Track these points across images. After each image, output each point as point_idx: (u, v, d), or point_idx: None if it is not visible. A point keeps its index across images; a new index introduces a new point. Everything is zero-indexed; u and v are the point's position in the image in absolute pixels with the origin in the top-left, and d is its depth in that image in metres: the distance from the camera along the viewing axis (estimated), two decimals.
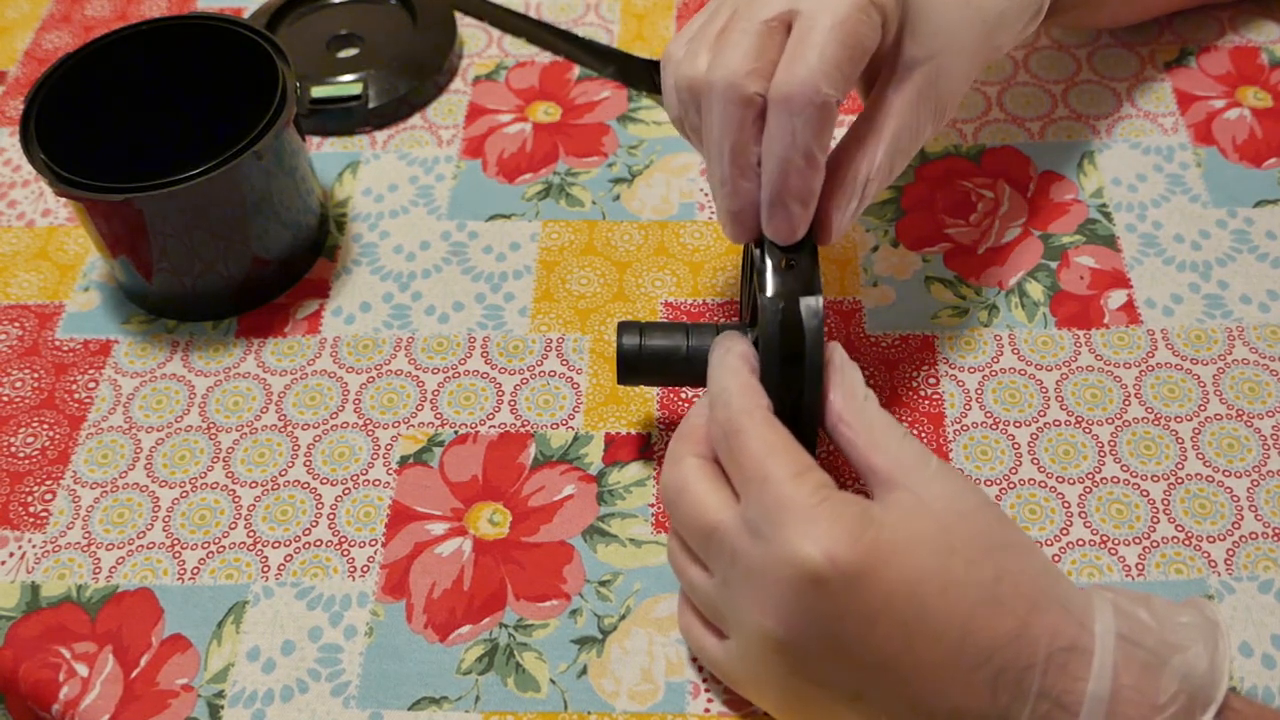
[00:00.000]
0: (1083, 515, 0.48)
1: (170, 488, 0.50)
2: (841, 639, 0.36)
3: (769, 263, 0.42)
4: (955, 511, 0.38)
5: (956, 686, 0.36)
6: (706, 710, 0.44)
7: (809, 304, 0.41)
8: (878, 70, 0.44)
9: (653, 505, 0.49)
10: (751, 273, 0.45)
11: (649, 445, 0.51)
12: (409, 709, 0.44)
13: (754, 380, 0.41)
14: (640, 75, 0.64)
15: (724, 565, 0.39)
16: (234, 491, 0.50)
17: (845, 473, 0.49)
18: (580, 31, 0.67)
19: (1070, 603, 0.37)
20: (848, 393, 0.41)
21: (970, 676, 0.36)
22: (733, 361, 0.42)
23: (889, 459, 0.39)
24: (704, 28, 0.43)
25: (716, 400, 0.41)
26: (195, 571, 0.48)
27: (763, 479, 0.37)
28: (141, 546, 0.49)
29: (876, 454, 0.39)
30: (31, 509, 0.50)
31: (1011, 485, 0.49)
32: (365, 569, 0.48)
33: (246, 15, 0.69)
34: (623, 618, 0.46)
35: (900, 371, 0.52)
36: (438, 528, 0.49)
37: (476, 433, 0.51)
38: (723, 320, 0.54)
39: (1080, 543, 0.47)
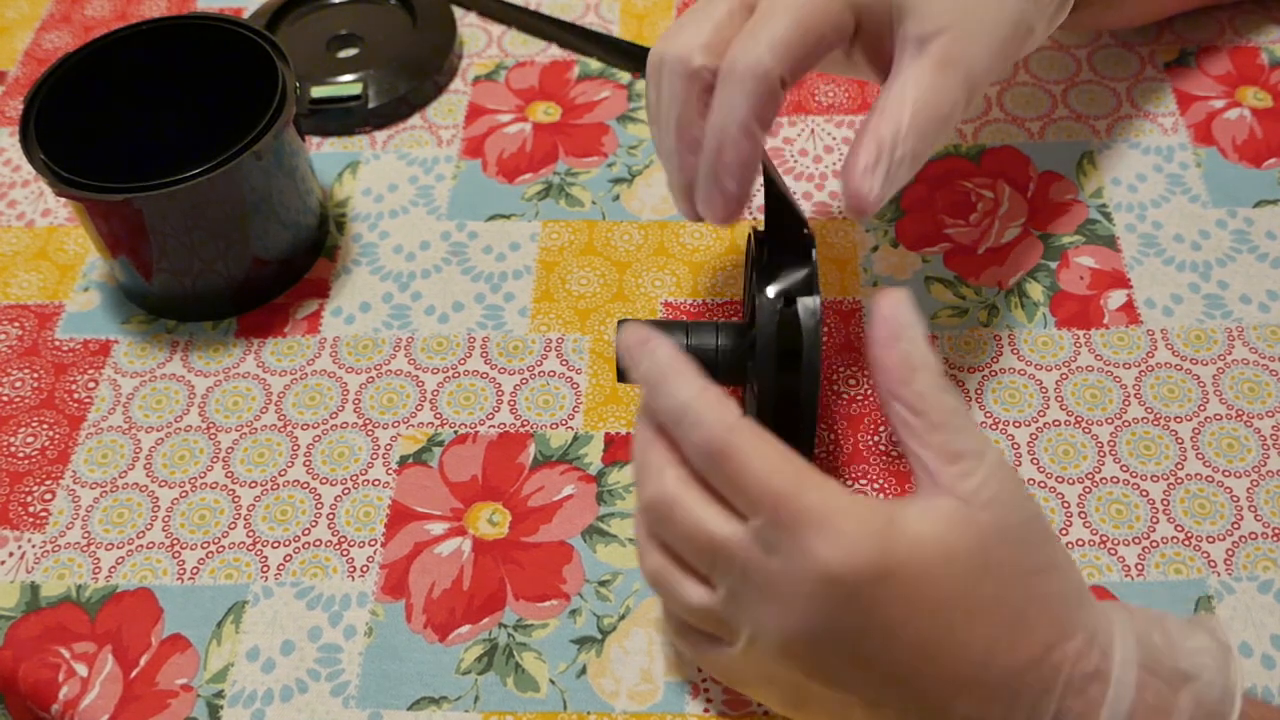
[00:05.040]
0: (1082, 515, 0.48)
1: (170, 488, 0.50)
2: (862, 648, 0.35)
3: (767, 262, 0.42)
4: (999, 528, 0.35)
5: (974, 702, 0.35)
6: (706, 710, 0.44)
7: (807, 304, 0.41)
8: (888, 61, 0.43)
9: None
10: (752, 272, 0.45)
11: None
12: (409, 709, 0.44)
13: (706, 381, 0.37)
14: (642, 62, 0.64)
15: (733, 579, 0.36)
16: (234, 491, 0.50)
17: (852, 475, 0.49)
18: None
19: (1095, 630, 0.36)
20: (904, 360, 0.35)
21: (988, 694, 0.35)
22: (669, 367, 0.37)
23: (940, 455, 0.35)
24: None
25: (681, 420, 0.36)
26: (195, 571, 0.48)
27: (772, 498, 0.35)
28: (141, 546, 0.49)
29: (928, 446, 0.35)
30: (31, 509, 0.50)
31: None
32: (365, 569, 0.48)
33: (246, 15, 0.69)
34: (622, 618, 0.46)
35: None
36: (437, 528, 0.49)
37: (476, 433, 0.51)
38: (722, 320, 0.54)
39: (1080, 543, 0.47)
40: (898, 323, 0.36)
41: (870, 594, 0.34)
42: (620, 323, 0.46)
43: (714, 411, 0.36)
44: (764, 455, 0.35)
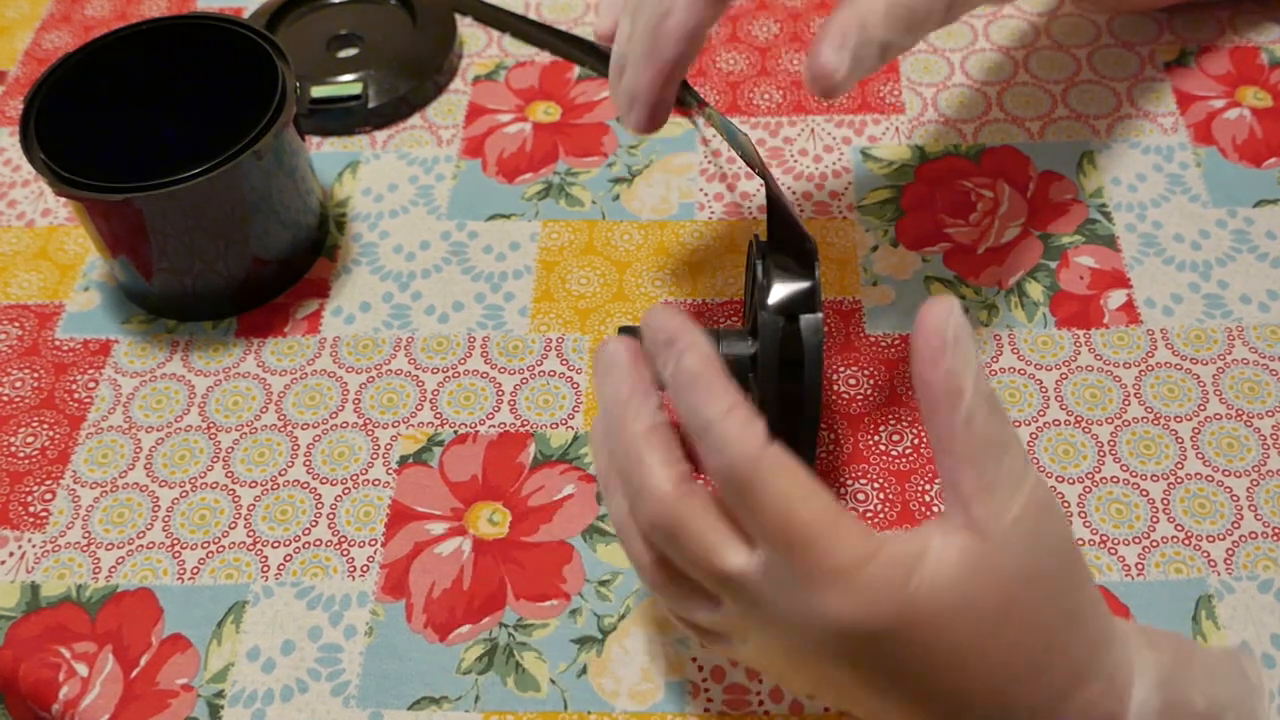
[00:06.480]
0: (1082, 515, 0.48)
1: (170, 487, 0.50)
2: (869, 685, 0.34)
3: (771, 277, 0.42)
4: (1024, 575, 0.33)
5: None
6: (706, 710, 0.44)
7: (809, 321, 0.41)
8: None
9: None
10: (753, 284, 0.45)
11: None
12: (409, 709, 0.44)
13: (737, 397, 0.33)
14: None
15: (743, 605, 0.35)
16: (234, 491, 0.50)
17: (852, 474, 0.49)
18: (580, 32, 0.67)
19: (1114, 676, 0.35)
20: (949, 379, 0.33)
21: None
22: (698, 376, 0.34)
23: (976, 482, 0.33)
24: None
25: (703, 438, 0.33)
26: (195, 571, 0.48)
27: (788, 539, 0.32)
28: (141, 546, 0.49)
29: (965, 471, 0.33)
30: (31, 509, 0.50)
31: None
32: (365, 569, 0.48)
33: (246, 15, 0.69)
34: (623, 617, 0.46)
35: (900, 371, 0.52)
36: (437, 527, 0.49)
37: (476, 432, 0.51)
38: (723, 322, 0.54)
39: (1080, 542, 0.47)
40: (943, 338, 0.33)
41: (881, 646, 0.33)
42: (620, 330, 0.46)
43: (739, 440, 0.33)
44: (785, 493, 0.33)
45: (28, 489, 0.51)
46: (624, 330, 0.46)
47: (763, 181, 0.46)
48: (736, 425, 0.33)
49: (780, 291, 0.41)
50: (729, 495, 0.34)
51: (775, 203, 0.44)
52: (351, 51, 0.66)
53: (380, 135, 0.63)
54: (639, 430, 0.36)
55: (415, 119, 0.64)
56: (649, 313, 0.36)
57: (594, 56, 0.65)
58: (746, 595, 0.34)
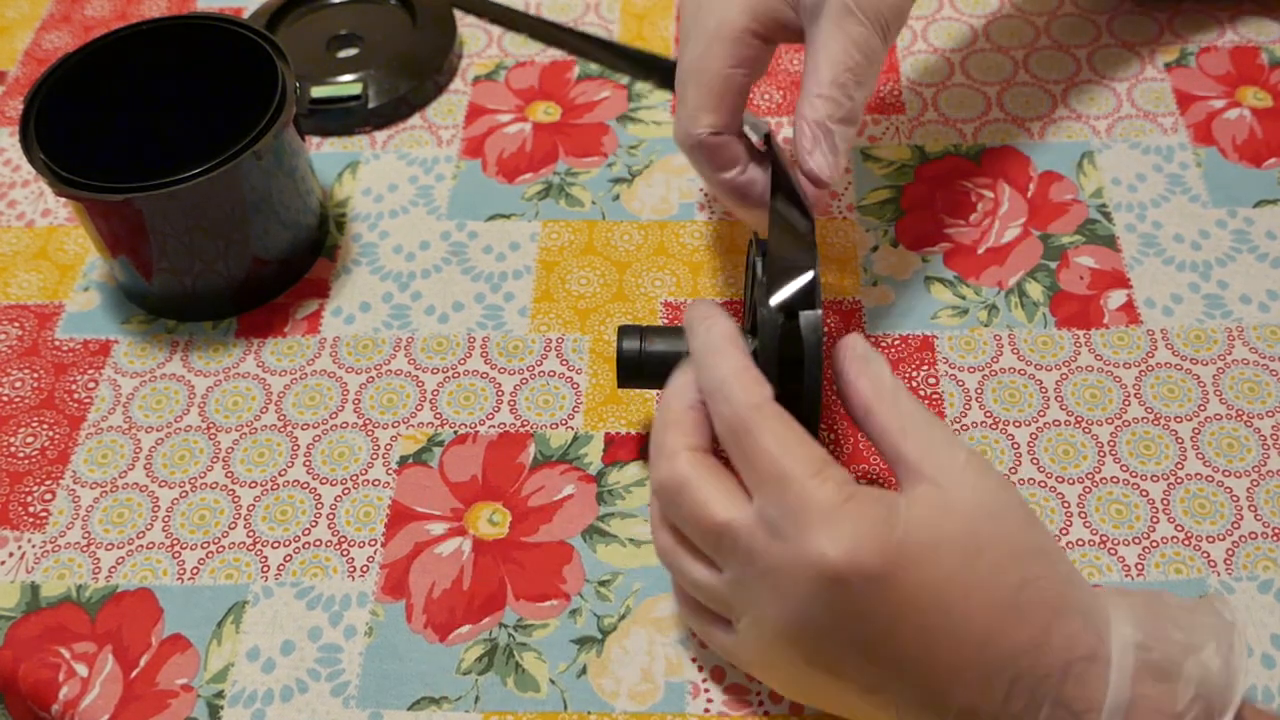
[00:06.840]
0: (1082, 515, 0.48)
1: (170, 488, 0.50)
2: (862, 638, 0.36)
3: (770, 275, 0.42)
4: (984, 511, 0.37)
5: (972, 688, 0.36)
6: (706, 710, 0.44)
7: (809, 318, 0.41)
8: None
9: None
10: (753, 282, 0.45)
11: (649, 445, 0.51)
12: (409, 709, 0.44)
13: (749, 362, 0.39)
14: (642, 67, 0.64)
15: (738, 563, 0.38)
16: (234, 491, 0.50)
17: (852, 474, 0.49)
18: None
19: (1090, 612, 0.36)
20: (875, 381, 0.40)
21: (986, 681, 0.36)
22: (719, 344, 0.40)
23: (918, 447, 0.38)
24: None
25: (715, 393, 0.39)
26: (195, 571, 0.48)
27: (780, 479, 0.36)
28: (141, 546, 0.49)
29: (906, 442, 0.38)
30: (31, 509, 0.50)
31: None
32: (365, 569, 0.48)
33: (246, 15, 0.69)
34: (622, 618, 0.46)
35: (900, 371, 0.52)
36: (437, 528, 0.49)
37: (476, 433, 0.51)
38: None
39: (1080, 543, 0.47)
40: (861, 356, 0.40)
41: (872, 589, 0.35)
42: (620, 329, 0.47)
43: (745, 390, 0.38)
44: (781, 437, 0.37)
45: (28, 489, 0.51)
46: (624, 330, 0.47)
47: (771, 171, 0.46)
48: (745, 380, 0.38)
49: (779, 286, 0.41)
50: (730, 443, 0.38)
51: (779, 192, 0.44)
52: (351, 51, 0.66)
53: (380, 135, 0.63)
54: (676, 407, 0.40)
55: (415, 119, 0.64)
56: (692, 302, 0.44)
57: (598, 48, 0.65)
58: (741, 550, 0.37)
